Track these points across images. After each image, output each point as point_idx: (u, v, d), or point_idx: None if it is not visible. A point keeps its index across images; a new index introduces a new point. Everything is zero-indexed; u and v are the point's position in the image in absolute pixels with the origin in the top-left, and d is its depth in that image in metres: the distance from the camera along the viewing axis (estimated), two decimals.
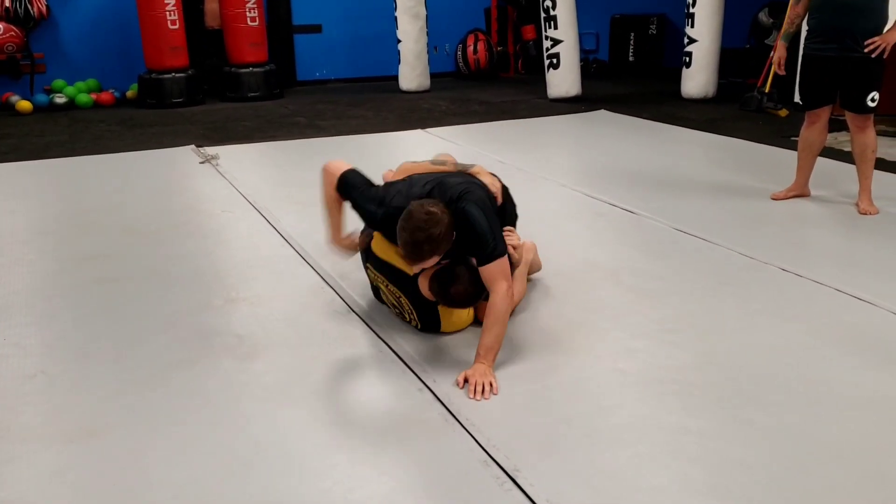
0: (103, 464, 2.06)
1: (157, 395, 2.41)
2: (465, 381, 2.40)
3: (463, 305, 2.66)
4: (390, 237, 2.64)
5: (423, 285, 2.64)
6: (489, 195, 2.72)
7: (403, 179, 2.79)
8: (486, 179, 2.81)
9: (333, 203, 2.83)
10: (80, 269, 3.49)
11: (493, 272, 2.50)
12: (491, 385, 2.37)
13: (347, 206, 2.81)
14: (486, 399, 2.33)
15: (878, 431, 2.16)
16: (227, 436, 2.18)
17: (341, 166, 2.78)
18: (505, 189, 2.93)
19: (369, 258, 2.87)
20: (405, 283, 2.71)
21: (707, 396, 2.36)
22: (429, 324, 2.76)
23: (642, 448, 2.09)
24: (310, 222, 4.13)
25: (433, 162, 2.96)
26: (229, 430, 2.21)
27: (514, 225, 3.01)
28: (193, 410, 2.31)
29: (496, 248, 2.50)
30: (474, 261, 2.58)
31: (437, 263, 2.56)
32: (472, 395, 2.34)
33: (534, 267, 3.18)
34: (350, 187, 2.73)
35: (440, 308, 2.70)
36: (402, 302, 2.76)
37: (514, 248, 2.82)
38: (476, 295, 2.61)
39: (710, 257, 3.53)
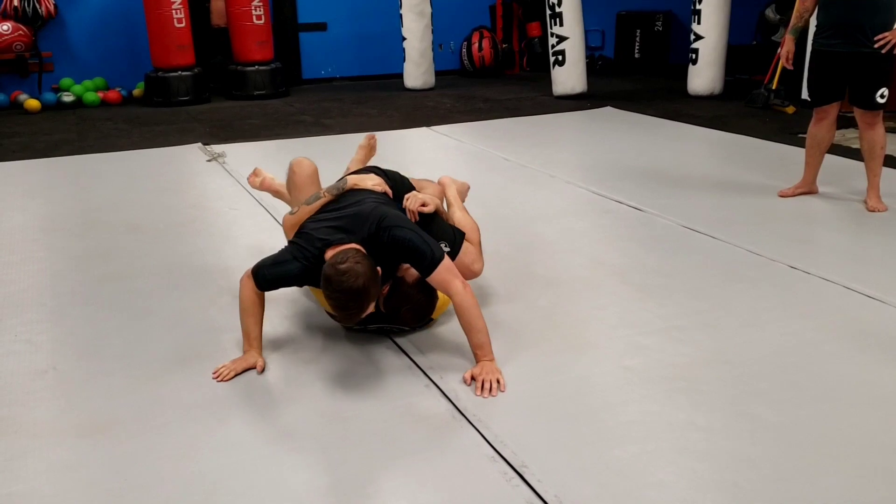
0: (114, 458, 2.08)
1: (166, 390, 2.42)
2: (472, 378, 2.40)
3: (419, 318, 2.70)
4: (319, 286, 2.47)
5: (384, 306, 2.62)
6: (389, 201, 2.71)
7: (300, 234, 2.61)
8: (368, 185, 2.73)
9: (254, 308, 2.59)
10: (89, 267, 3.51)
11: (442, 277, 2.46)
12: (498, 382, 2.38)
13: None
14: (493, 396, 2.34)
15: (886, 428, 2.16)
16: (235, 431, 2.19)
17: (245, 279, 2.58)
18: (385, 173, 2.93)
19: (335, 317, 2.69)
20: (375, 319, 2.67)
21: (715, 393, 2.36)
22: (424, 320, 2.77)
23: (650, 444, 2.10)
24: None
25: (308, 203, 2.75)
26: (237, 425, 2.22)
27: (409, 187, 2.91)
28: (202, 406, 2.33)
29: (434, 255, 2.47)
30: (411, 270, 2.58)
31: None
32: (479, 393, 2.35)
33: (461, 192, 3.12)
34: (260, 274, 2.54)
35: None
36: (388, 328, 2.75)
37: (425, 204, 2.74)
38: (429, 303, 2.66)
39: (718, 254, 3.53)
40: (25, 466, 2.05)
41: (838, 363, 2.52)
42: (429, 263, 2.46)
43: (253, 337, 2.57)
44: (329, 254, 2.42)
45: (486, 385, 2.36)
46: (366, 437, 2.15)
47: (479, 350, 2.46)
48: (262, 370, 2.52)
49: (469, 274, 2.79)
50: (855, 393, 2.34)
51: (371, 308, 2.39)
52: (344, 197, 2.71)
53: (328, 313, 2.76)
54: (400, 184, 2.93)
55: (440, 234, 2.76)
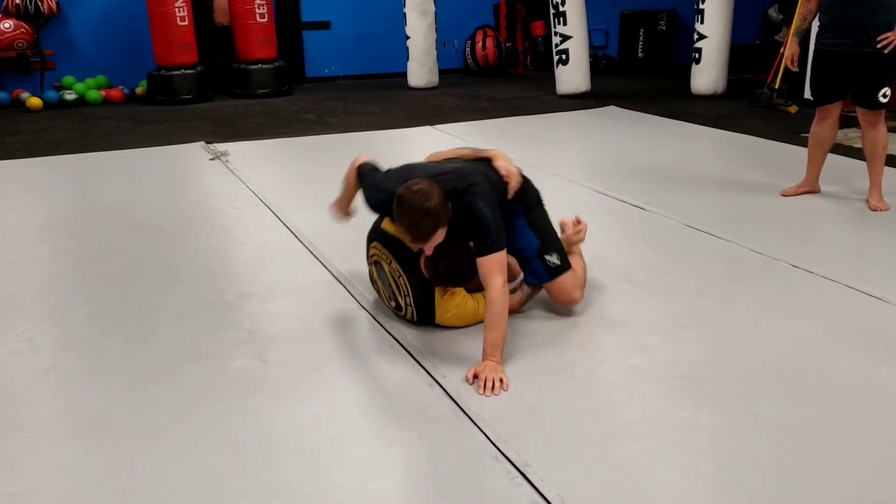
0: (116, 458, 2.08)
1: (169, 389, 2.42)
2: (475, 377, 2.40)
3: (452, 281, 2.68)
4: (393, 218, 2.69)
5: (423, 263, 2.68)
6: (499, 187, 2.73)
7: (406, 166, 2.85)
8: (501, 163, 2.82)
9: (352, 185, 3.03)
10: (92, 265, 3.51)
11: (490, 265, 2.52)
12: (501, 381, 2.38)
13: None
14: (496, 395, 2.34)
15: (889, 426, 2.15)
16: (238, 430, 2.19)
17: (360, 160, 2.98)
18: (521, 174, 2.93)
19: (376, 236, 2.89)
20: (408, 260, 2.72)
21: (718, 392, 2.36)
22: (424, 311, 2.74)
23: (653, 443, 2.09)
24: (319, 218, 4.13)
25: (451, 152, 3.03)
26: (240, 424, 2.22)
27: (539, 204, 2.95)
28: (204, 405, 2.33)
29: (496, 243, 2.53)
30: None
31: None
32: (481, 392, 2.35)
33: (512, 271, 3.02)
34: (360, 176, 2.92)
35: (436, 295, 2.71)
36: (401, 283, 2.75)
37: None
38: (465, 273, 2.64)
39: (721, 254, 3.52)
40: (27, 466, 2.05)
41: (841, 362, 2.51)
42: (487, 246, 2.53)
43: (349, 201, 3.05)
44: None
45: (489, 384, 2.36)
46: (368, 436, 2.15)
47: (489, 348, 2.47)
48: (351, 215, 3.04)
49: (567, 299, 2.87)
50: (858, 392, 2.33)
51: (440, 236, 2.51)
52: (473, 163, 2.79)
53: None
54: (529, 185, 2.93)
55: (553, 244, 2.87)
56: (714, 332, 2.76)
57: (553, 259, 2.85)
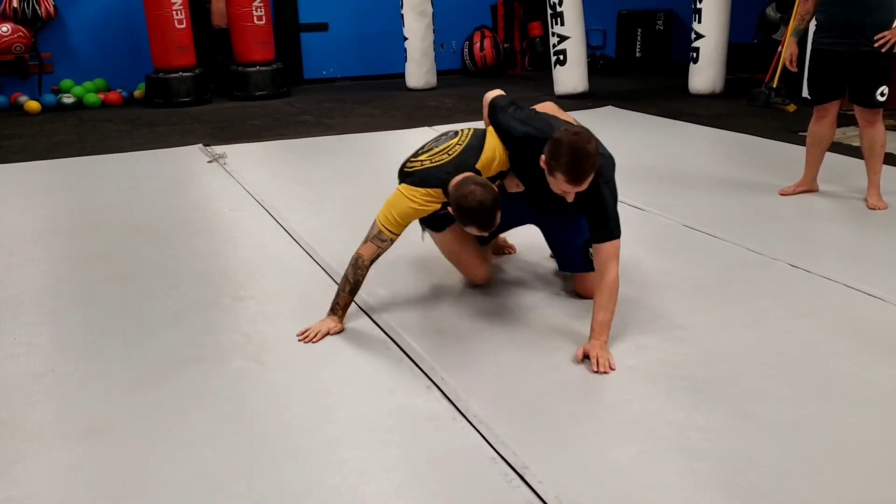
0: (113, 461, 2.07)
1: (166, 392, 2.42)
2: (585, 356, 2.49)
3: (481, 214, 2.57)
4: (521, 155, 2.73)
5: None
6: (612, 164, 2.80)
7: (541, 114, 2.91)
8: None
9: (486, 119, 2.96)
10: (89, 268, 3.51)
11: (610, 251, 2.60)
12: (608, 361, 2.46)
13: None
14: (606, 373, 2.43)
15: (887, 426, 2.15)
16: (235, 433, 2.19)
17: (491, 95, 2.98)
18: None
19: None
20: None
21: (715, 392, 2.35)
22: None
23: (651, 444, 2.09)
24: (317, 220, 4.14)
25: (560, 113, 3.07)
26: (238, 427, 2.22)
27: None
28: (202, 408, 2.32)
29: (616, 229, 2.62)
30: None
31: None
32: (595, 369, 2.44)
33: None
34: (497, 110, 2.88)
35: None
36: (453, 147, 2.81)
37: None
38: (493, 208, 2.57)
39: (719, 253, 3.52)
40: (24, 469, 2.04)
41: (839, 362, 2.51)
42: (607, 233, 2.60)
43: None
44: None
45: (602, 361, 2.45)
46: (365, 438, 2.15)
47: (599, 327, 2.55)
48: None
49: (583, 291, 2.99)
50: (856, 391, 2.33)
51: (588, 181, 2.52)
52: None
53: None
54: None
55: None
56: (711, 332, 2.76)
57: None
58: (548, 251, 3.38)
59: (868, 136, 4.11)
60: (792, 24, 4.42)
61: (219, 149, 5.88)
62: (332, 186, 4.86)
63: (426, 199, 2.73)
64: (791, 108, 6.92)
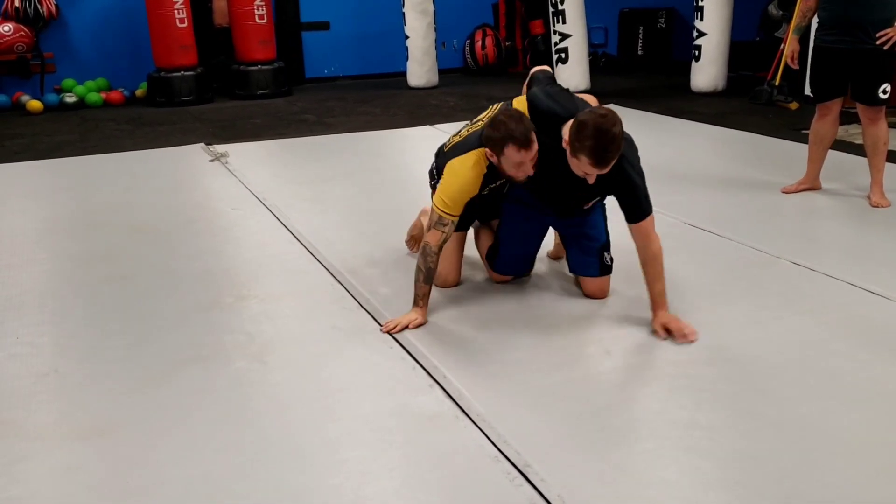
0: (115, 461, 2.07)
1: (168, 392, 2.42)
2: (666, 330, 2.61)
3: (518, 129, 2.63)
4: (542, 130, 2.68)
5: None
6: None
7: (571, 94, 2.89)
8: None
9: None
10: (91, 268, 3.51)
11: (647, 228, 2.71)
12: (689, 327, 2.61)
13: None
14: (694, 341, 2.57)
15: (890, 425, 2.15)
16: (237, 432, 2.19)
17: (537, 68, 3.03)
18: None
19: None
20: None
21: (717, 391, 2.35)
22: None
23: (653, 443, 2.09)
24: (319, 219, 4.14)
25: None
26: (240, 426, 2.22)
27: None
28: (204, 408, 2.32)
29: (649, 207, 2.71)
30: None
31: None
32: (684, 337, 2.58)
33: None
34: (534, 82, 2.92)
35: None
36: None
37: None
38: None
39: (721, 251, 3.51)
40: (27, 470, 2.04)
41: (842, 360, 2.50)
42: (641, 212, 2.70)
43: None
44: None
45: (688, 330, 2.59)
46: (367, 437, 2.15)
47: (660, 298, 2.69)
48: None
49: (602, 296, 3.04)
50: (859, 390, 2.32)
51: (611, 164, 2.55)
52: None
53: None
54: None
55: (609, 243, 3.06)
56: (713, 330, 2.75)
57: (608, 258, 3.04)
58: (547, 250, 3.38)
59: (871, 133, 4.10)
60: (794, 21, 4.41)
61: (220, 148, 5.88)
62: (333, 185, 4.86)
63: (474, 164, 2.73)
64: (793, 105, 6.91)
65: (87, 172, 5.36)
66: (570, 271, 3.17)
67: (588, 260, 3.03)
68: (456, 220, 2.78)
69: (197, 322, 2.92)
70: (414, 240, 3.46)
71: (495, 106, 2.99)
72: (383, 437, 2.15)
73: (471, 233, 3.27)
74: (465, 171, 2.74)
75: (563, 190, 2.84)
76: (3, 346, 2.76)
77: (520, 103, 2.87)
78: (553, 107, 2.72)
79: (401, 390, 2.40)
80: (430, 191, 3.13)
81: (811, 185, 4.37)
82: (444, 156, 2.92)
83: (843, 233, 3.89)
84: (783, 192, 4.36)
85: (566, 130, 2.57)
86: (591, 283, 3.04)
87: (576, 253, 3.09)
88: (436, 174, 3.04)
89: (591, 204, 2.99)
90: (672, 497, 1.87)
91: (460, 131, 2.97)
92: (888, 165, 4.19)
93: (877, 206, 4.06)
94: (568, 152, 2.56)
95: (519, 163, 2.65)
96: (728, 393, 2.34)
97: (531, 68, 3.24)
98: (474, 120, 2.98)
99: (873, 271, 3.18)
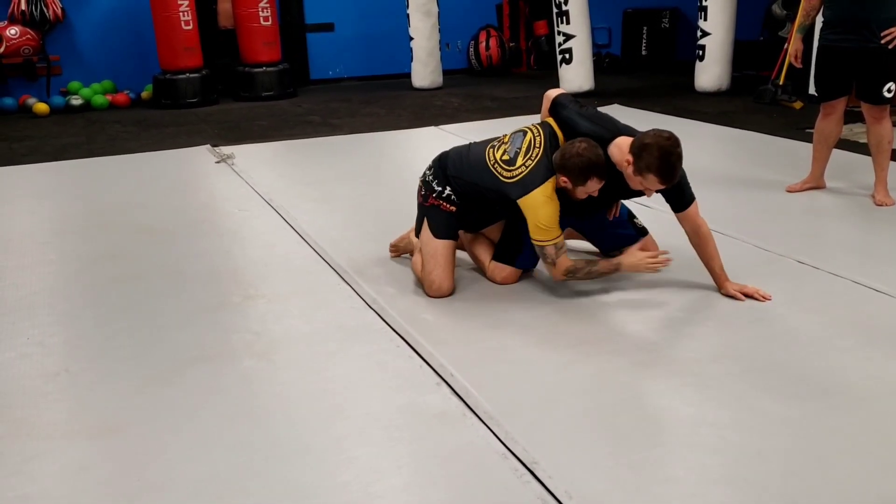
0: (125, 459, 2.09)
1: (177, 391, 2.44)
2: (744, 295, 2.90)
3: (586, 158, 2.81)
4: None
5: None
6: None
7: (601, 113, 3.08)
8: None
9: (544, 113, 3.15)
10: (100, 269, 3.53)
11: (693, 213, 2.96)
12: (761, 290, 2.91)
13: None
14: (770, 299, 2.87)
15: (894, 421, 2.16)
16: (246, 431, 2.20)
17: (553, 94, 3.13)
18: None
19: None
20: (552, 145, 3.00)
21: (724, 388, 2.36)
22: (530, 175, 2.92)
23: (660, 439, 2.10)
24: (326, 220, 4.16)
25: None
26: (248, 425, 2.24)
27: None
28: (213, 406, 2.34)
29: (692, 195, 2.96)
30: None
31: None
32: (763, 297, 2.89)
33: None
34: (562, 107, 3.04)
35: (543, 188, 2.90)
36: (533, 153, 2.95)
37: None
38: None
39: (726, 250, 3.50)
40: (38, 468, 2.06)
41: (847, 358, 2.51)
42: (686, 200, 2.94)
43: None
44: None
45: (763, 291, 2.90)
46: (375, 435, 2.16)
47: (722, 272, 2.97)
48: None
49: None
50: (864, 387, 2.33)
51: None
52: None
53: None
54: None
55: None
56: (720, 328, 2.76)
57: (639, 221, 3.32)
58: None
59: (875, 132, 4.11)
60: (798, 20, 4.42)
61: (226, 149, 5.90)
62: (339, 186, 4.88)
63: (551, 195, 2.88)
64: (797, 105, 6.91)
65: (94, 174, 5.39)
66: (606, 252, 3.32)
67: (621, 233, 3.26)
68: (562, 235, 2.93)
69: (205, 321, 2.94)
70: (396, 249, 3.49)
71: (532, 127, 3.04)
72: (391, 435, 2.16)
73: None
74: (546, 199, 2.88)
75: (596, 202, 3.02)
76: (14, 345, 2.78)
77: (544, 126, 3.02)
78: (596, 130, 2.91)
79: (408, 388, 2.41)
80: (418, 199, 3.19)
81: (816, 184, 4.37)
82: (507, 186, 2.93)
83: (848, 231, 3.90)
84: (788, 191, 4.37)
85: (617, 150, 2.85)
86: (637, 249, 3.20)
87: (606, 234, 3.29)
88: (438, 188, 3.09)
89: (616, 209, 3.24)
90: (678, 493, 1.88)
91: (510, 164, 2.94)
92: (893, 164, 4.19)
93: (881, 205, 4.06)
94: (630, 171, 2.79)
95: (594, 190, 2.88)
96: (734, 390, 2.35)
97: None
98: (517, 144, 2.99)
99: (878, 269, 3.19)
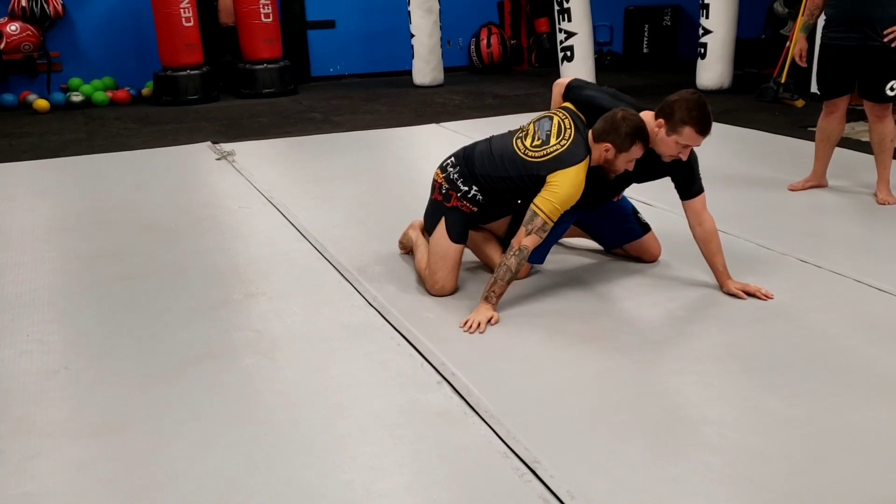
0: (127, 458, 2.09)
1: (179, 389, 2.43)
2: (747, 294, 2.90)
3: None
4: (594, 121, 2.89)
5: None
6: None
7: (611, 91, 3.08)
8: None
9: (557, 98, 3.11)
10: (101, 266, 3.53)
11: (700, 205, 3.01)
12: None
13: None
14: (772, 297, 2.87)
15: None
16: (248, 429, 2.20)
17: (564, 81, 3.12)
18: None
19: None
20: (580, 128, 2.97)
21: (726, 386, 2.36)
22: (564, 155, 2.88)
23: (662, 438, 2.10)
24: (327, 217, 4.15)
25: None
26: (250, 423, 2.23)
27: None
28: (214, 404, 2.34)
29: (701, 186, 3.03)
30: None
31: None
32: (766, 296, 2.88)
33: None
34: (580, 88, 3.05)
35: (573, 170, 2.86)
36: (566, 134, 2.92)
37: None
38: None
39: (729, 249, 3.49)
40: (39, 466, 2.06)
41: (850, 356, 2.51)
42: (696, 188, 3.01)
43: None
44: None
45: (765, 289, 2.89)
46: (377, 434, 2.16)
47: (724, 269, 2.96)
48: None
49: (657, 251, 3.34)
50: (867, 386, 2.33)
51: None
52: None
53: None
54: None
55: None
56: (722, 326, 2.76)
57: (642, 217, 3.33)
58: (554, 250, 3.38)
59: (877, 131, 4.10)
60: (800, 19, 4.42)
61: (227, 146, 5.90)
62: (340, 183, 4.87)
63: (583, 176, 2.84)
64: (800, 103, 6.90)
65: (95, 171, 5.38)
66: (611, 248, 3.37)
67: (627, 227, 3.30)
68: (552, 225, 2.86)
69: (206, 319, 2.93)
70: (404, 247, 3.49)
71: (558, 112, 2.99)
72: (393, 434, 2.16)
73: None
74: (578, 182, 2.82)
75: (608, 186, 3.07)
76: (13, 343, 2.78)
77: (566, 110, 3.00)
78: (620, 105, 2.91)
79: (409, 387, 2.41)
80: (434, 195, 3.14)
81: (818, 182, 4.37)
82: (539, 165, 2.86)
83: (850, 230, 3.89)
84: (790, 190, 4.36)
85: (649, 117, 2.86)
86: (641, 244, 3.29)
87: (610, 230, 3.32)
88: (464, 188, 3.03)
89: (620, 196, 3.26)
90: (681, 492, 1.88)
91: (543, 145, 2.89)
92: (895, 163, 4.18)
93: (884, 204, 4.05)
94: (663, 133, 2.83)
95: (635, 159, 2.88)
96: (737, 389, 2.34)
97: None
98: (546, 127, 2.94)
99: (881, 268, 3.18)
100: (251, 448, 2.11)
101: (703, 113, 2.81)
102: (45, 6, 8.09)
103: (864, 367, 2.44)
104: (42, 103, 7.94)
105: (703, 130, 2.83)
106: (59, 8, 8.23)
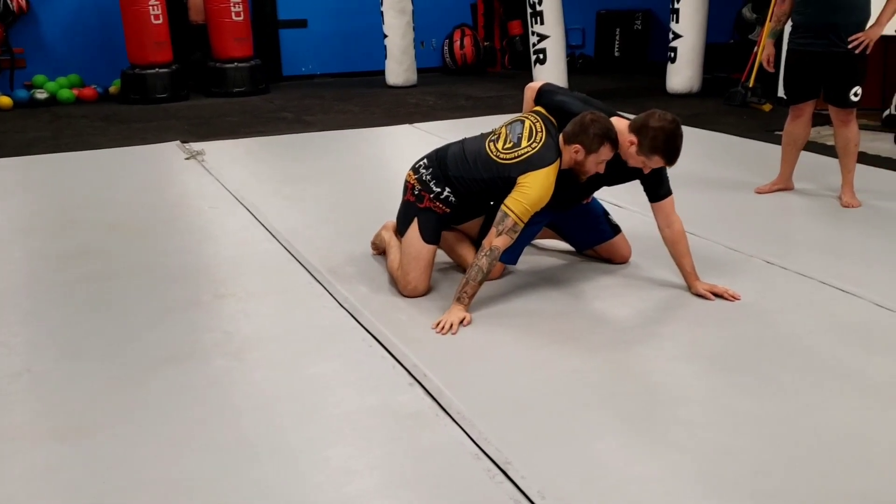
0: (94, 462, 2.05)
1: (147, 392, 2.40)
2: (714, 294, 2.94)
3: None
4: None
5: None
6: None
7: (582, 97, 3.11)
8: None
9: (529, 102, 3.15)
10: (67, 267, 3.47)
11: (669, 207, 3.04)
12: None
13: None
14: (739, 298, 2.91)
15: (864, 420, 2.19)
16: (217, 432, 2.18)
17: (536, 85, 3.16)
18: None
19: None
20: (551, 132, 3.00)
21: (694, 387, 2.39)
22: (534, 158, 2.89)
23: (633, 438, 2.11)
24: (297, 217, 4.13)
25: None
26: (220, 426, 2.21)
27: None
28: (184, 407, 2.31)
29: (670, 188, 3.05)
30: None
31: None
32: (733, 297, 2.93)
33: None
34: (551, 93, 3.09)
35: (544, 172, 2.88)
36: (537, 137, 2.95)
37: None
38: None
39: (695, 251, 3.53)
40: (2, 471, 2.02)
41: (816, 356, 2.55)
42: (664, 191, 3.04)
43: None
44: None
45: (732, 290, 2.94)
46: (348, 436, 2.15)
47: (692, 270, 3.01)
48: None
49: (627, 253, 3.38)
50: (833, 386, 2.37)
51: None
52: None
53: None
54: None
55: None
56: (689, 328, 2.79)
57: (613, 219, 3.39)
58: (526, 251, 3.40)
59: (842, 135, 4.17)
60: (768, 25, 4.48)
61: (196, 146, 5.83)
62: (311, 183, 4.84)
63: (552, 175, 2.87)
64: (767, 107, 7.00)
65: (61, 170, 5.29)
66: (583, 250, 3.41)
67: (598, 229, 3.35)
68: (522, 227, 2.87)
69: (175, 320, 2.89)
70: (376, 248, 3.48)
71: (529, 116, 3.01)
72: (364, 435, 2.15)
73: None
74: (548, 184, 2.85)
75: (579, 189, 3.10)
76: None
77: (537, 114, 3.02)
78: (590, 111, 2.91)
79: (381, 389, 2.40)
80: (407, 196, 3.13)
81: (784, 185, 4.43)
82: (510, 167, 2.88)
83: (816, 232, 3.95)
84: (757, 193, 4.42)
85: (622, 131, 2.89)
86: (612, 245, 3.34)
87: (581, 231, 3.37)
88: (437, 189, 3.04)
89: (590, 199, 3.31)
90: (652, 493, 1.89)
91: (514, 148, 2.91)
92: (859, 166, 4.26)
93: (847, 206, 4.13)
94: (633, 151, 2.86)
95: (604, 161, 2.89)
96: (706, 389, 2.37)
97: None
98: (517, 130, 2.97)
99: (845, 270, 3.24)
100: (220, 450, 2.08)
101: (675, 146, 2.83)
102: (8, 2, 7.94)
103: (831, 367, 2.48)
104: (5, 100, 7.78)
105: (671, 162, 2.88)
106: (23, 3, 8.08)
